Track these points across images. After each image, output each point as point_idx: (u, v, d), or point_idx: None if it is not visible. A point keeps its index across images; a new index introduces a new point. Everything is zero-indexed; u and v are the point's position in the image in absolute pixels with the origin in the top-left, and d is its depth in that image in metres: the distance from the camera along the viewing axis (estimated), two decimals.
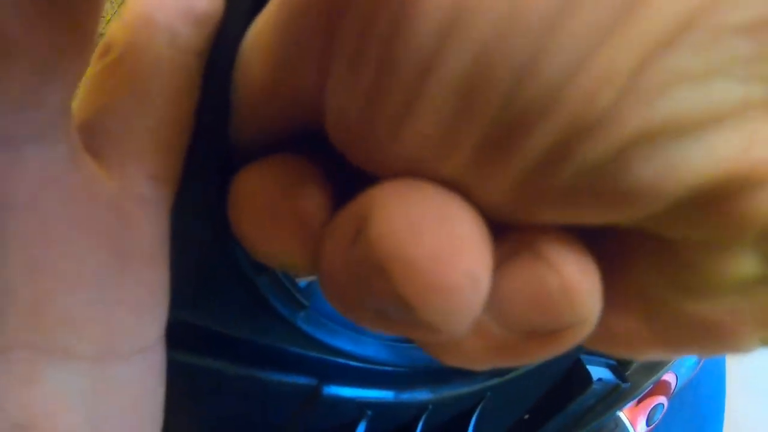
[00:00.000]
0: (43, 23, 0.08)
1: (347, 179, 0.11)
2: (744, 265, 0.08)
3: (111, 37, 0.12)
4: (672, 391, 0.47)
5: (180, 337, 0.15)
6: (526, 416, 0.24)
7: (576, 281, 0.09)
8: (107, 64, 0.12)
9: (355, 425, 0.19)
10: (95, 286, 0.11)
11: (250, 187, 0.11)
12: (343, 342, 0.18)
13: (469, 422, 0.22)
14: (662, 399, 0.47)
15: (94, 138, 0.11)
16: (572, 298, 0.09)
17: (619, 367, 0.25)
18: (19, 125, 0.09)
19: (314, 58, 0.10)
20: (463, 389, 0.21)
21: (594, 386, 0.24)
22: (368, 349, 0.19)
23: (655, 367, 0.29)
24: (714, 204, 0.08)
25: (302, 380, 0.18)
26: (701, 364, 0.46)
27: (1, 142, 0.09)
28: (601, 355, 0.24)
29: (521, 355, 0.10)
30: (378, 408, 0.20)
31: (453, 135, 0.08)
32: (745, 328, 0.09)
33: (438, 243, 0.08)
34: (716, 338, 0.09)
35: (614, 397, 0.25)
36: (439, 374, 0.21)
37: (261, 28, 0.11)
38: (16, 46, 0.08)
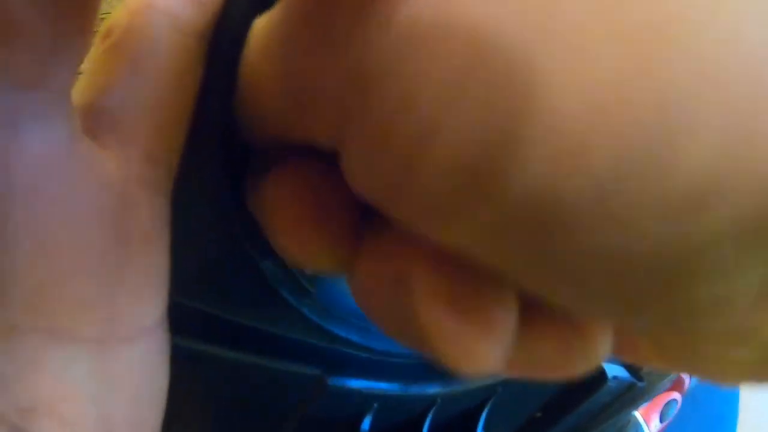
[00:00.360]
0: (47, 6, 0.08)
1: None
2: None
3: (113, 20, 0.12)
4: (686, 387, 0.47)
5: (185, 322, 0.15)
6: (539, 414, 0.24)
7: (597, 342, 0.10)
8: (108, 46, 0.12)
9: (361, 418, 0.19)
10: (97, 267, 0.11)
11: (281, 194, 0.11)
12: (349, 332, 0.18)
13: (478, 419, 0.21)
14: (676, 395, 0.47)
15: (94, 119, 0.11)
16: (591, 357, 0.10)
17: (635, 365, 0.24)
18: (20, 107, 0.09)
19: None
20: (474, 383, 0.21)
21: (609, 384, 0.23)
22: (376, 340, 0.19)
23: None
24: None
25: (307, 370, 0.18)
26: None
27: (4, 125, 0.09)
28: None
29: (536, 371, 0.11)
30: (384, 401, 0.19)
31: None
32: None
33: (475, 320, 0.09)
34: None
35: (630, 395, 0.24)
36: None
37: (275, 23, 0.11)
38: (21, 28, 0.08)
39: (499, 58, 0.07)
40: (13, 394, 0.10)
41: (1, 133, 0.09)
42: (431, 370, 0.20)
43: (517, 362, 0.10)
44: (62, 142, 0.10)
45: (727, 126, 0.07)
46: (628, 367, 0.24)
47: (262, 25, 0.11)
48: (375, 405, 0.19)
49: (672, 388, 0.45)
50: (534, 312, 0.10)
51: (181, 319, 0.14)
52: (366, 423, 0.19)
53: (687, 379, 0.45)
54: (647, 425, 0.43)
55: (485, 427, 0.21)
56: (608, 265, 0.07)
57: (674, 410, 0.46)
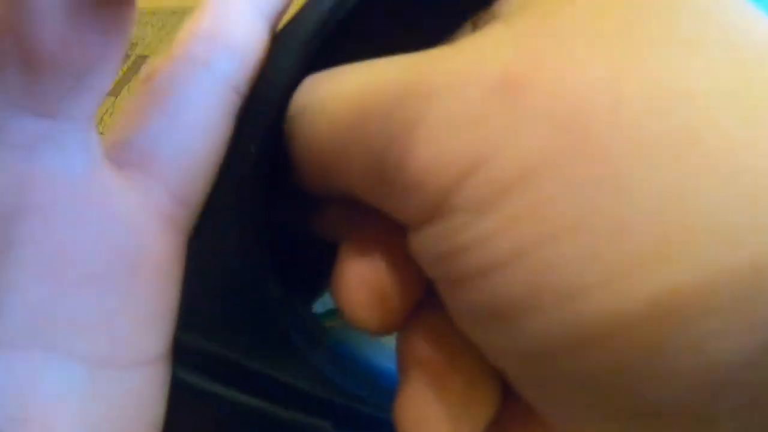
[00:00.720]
0: (77, 41, 0.09)
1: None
2: None
3: (156, 64, 0.13)
4: None
5: (197, 360, 0.15)
6: None
7: None
8: (149, 89, 0.12)
9: None
10: (101, 292, 0.11)
11: (357, 270, 0.13)
12: (360, 387, 0.18)
13: None
14: None
15: (126, 153, 0.12)
16: None
17: None
18: (39, 134, 0.10)
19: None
20: None
21: None
22: (386, 397, 0.18)
23: None
24: None
25: (315, 421, 0.18)
26: None
27: (22, 148, 0.09)
28: None
29: None
30: None
31: None
32: None
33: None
34: None
35: None
36: None
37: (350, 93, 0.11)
38: (50, 60, 0.09)
39: None
40: (6, 404, 0.10)
41: (17, 155, 0.09)
42: None
43: None
44: (80, 168, 0.10)
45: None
46: None
47: (334, 93, 0.12)
48: None
49: None
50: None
51: (192, 356, 0.14)
52: None
53: None
54: None
55: None
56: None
57: None
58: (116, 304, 0.11)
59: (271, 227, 0.14)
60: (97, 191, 0.11)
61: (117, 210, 0.11)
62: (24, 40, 0.08)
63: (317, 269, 0.19)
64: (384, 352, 0.20)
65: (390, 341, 0.19)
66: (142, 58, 0.60)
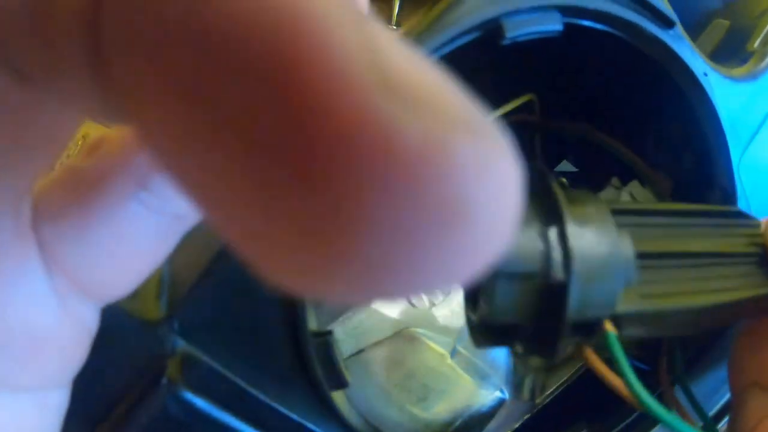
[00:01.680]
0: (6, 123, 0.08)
1: None
2: None
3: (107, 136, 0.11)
4: None
5: (216, 389, 0.15)
6: None
7: None
8: (83, 169, 0.11)
9: None
10: None
11: None
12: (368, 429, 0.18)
13: None
14: None
15: (41, 216, 0.11)
16: None
17: None
18: None
19: None
20: None
21: None
22: None
23: None
24: None
25: None
26: None
27: None
28: None
29: None
30: None
31: None
32: None
33: None
34: None
35: None
36: None
37: None
38: None
39: None
40: None
41: None
42: None
43: None
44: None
45: None
46: None
47: None
48: None
49: None
50: None
51: (213, 386, 0.14)
52: None
53: None
54: None
55: None
56: None
57: None
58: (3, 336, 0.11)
59: None
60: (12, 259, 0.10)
61: (25, 278, 0.11)
62: None
63: None
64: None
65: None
66: None
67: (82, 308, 0.11)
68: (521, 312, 0.12)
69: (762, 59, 0.26)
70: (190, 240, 0.17)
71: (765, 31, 0.28)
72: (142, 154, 0.11)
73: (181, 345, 0.16)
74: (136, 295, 0.17)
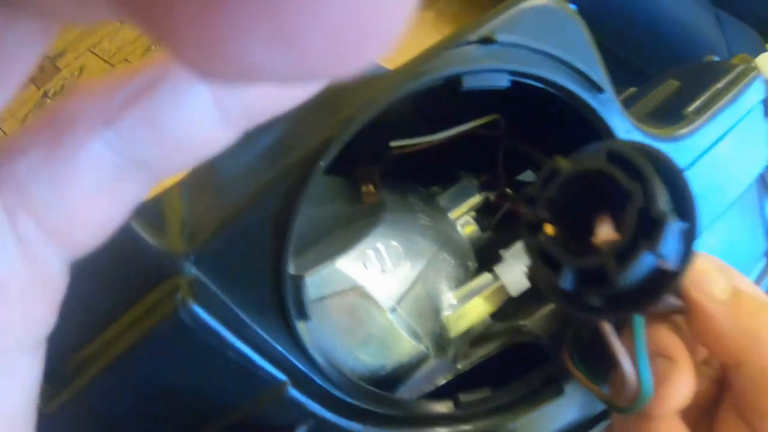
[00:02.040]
0: None
1: None
2: None
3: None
4: None
5: None
6: None
7: None
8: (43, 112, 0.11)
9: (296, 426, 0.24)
10: None
11: None
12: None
13: None
14: None
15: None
16: None
17: None
18: None
19: None
20: None
21: None
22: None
23: None
24: None
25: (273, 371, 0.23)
26: None
27: None
28: None
29: None
30: (322, 421, 0.24)
31: None
32: None
33: None
34: None
35: None
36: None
37: None
38: None
39: None
40: None
41: None
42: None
43: None
44: None
45: None
46: None
47: None
48: (312, 421, 0.24)
49: None
50: None
51: (215, 307, 0.20)
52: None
53: None
54: None
55: None
56: None
57: None
58: None
59: None
60: None
61: None
62: None
63: None
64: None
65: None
66: None
67: (47, 256, 0.11)
68: None
69: (689, 125, 0.29)
70: (213, 198, 0.23)
71: (701, 100, 0.31)
72: (114, 92, 0.11)
73: (195, 272, 0.22)
74: (164, 233, 0.23)
